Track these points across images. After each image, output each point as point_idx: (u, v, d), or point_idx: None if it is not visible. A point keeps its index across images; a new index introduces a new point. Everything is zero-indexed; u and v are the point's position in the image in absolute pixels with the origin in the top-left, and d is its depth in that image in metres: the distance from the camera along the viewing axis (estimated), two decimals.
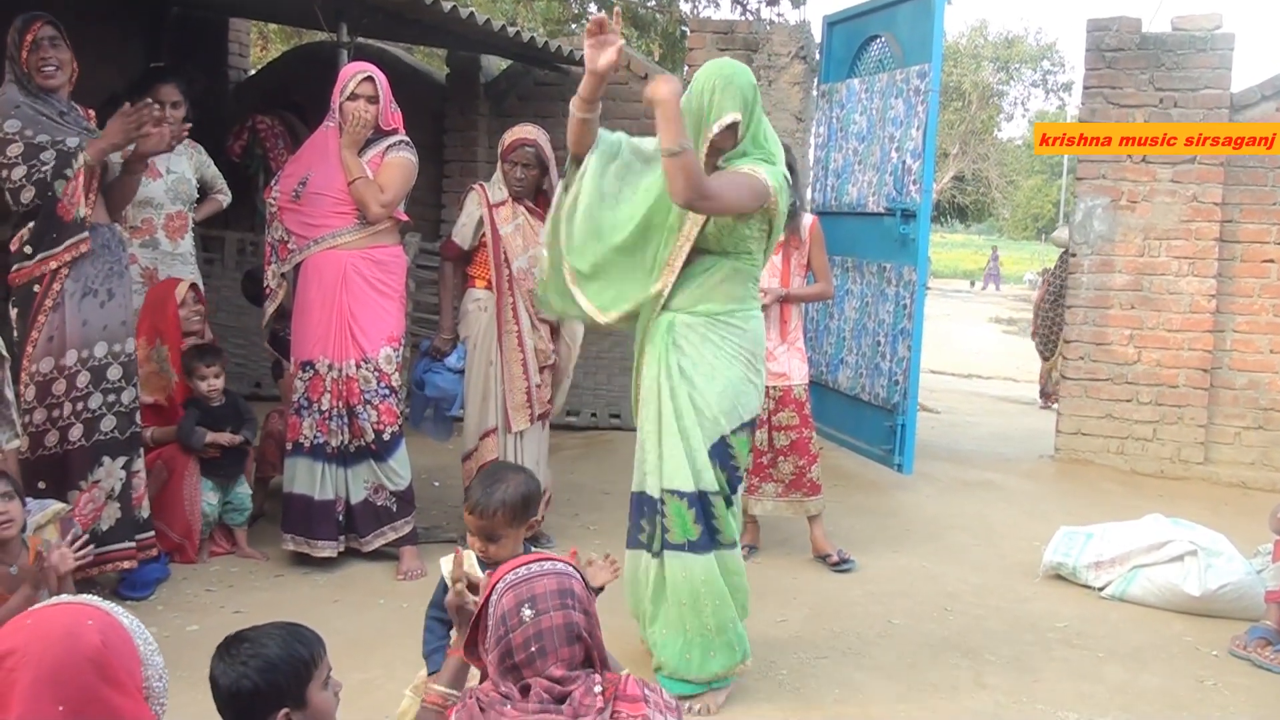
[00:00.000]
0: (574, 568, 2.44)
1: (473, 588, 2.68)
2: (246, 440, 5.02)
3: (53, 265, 4.11)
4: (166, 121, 5.01)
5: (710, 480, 3.68)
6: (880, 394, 6.48)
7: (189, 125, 4.78)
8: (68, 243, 4.12)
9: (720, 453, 3.71)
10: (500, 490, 3.02)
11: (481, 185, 5.21)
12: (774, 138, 3.74)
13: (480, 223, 5.12)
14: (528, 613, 2.30)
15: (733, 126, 3.57)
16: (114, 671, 1.98)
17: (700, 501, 3.67)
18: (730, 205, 3.52)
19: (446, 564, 3.06)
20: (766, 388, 5.15)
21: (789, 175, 5.11)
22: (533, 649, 2.28)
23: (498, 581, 2.37)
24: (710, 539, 3.70)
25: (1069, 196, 28.46)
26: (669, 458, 3.69)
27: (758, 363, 3.82)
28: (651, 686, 2.37)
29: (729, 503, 3.75)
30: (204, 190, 5.52)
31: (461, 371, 5.19)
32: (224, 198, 5.67)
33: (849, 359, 6.89)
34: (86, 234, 4.15)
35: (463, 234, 5.17)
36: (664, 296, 3.71)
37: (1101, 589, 5.05)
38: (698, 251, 3.66)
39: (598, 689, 2.28)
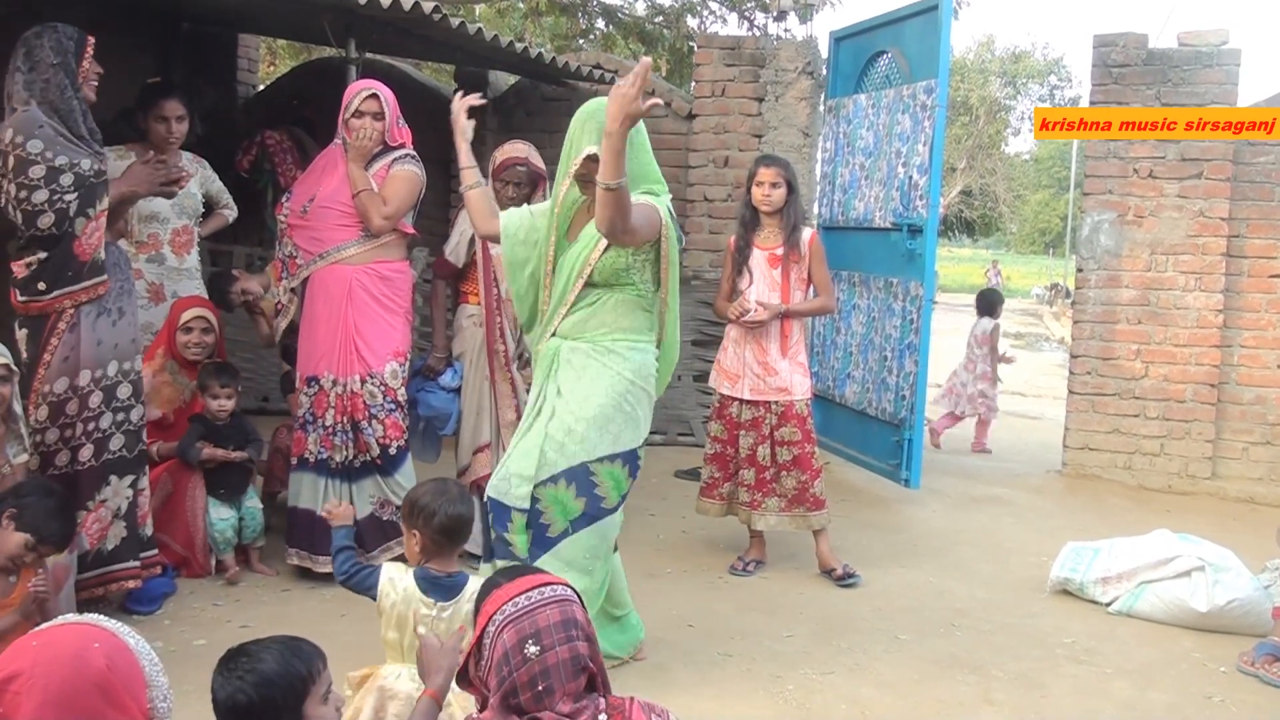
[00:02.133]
0: (569, 587, 2.36)
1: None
2: (249, 458, 5.01)
3: (68, 304, 4.06)
4: (172, 137, 5.09)
5: (524, 497, 3.78)
6: (887, 409, 6.48)
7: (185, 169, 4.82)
8: (86, 283, 4.07)
9: (580, 477, 3.79)
10: (419, 488, 3.30)
11: None
12: (657, 171, 3.91)
13: (472, 241, 5.14)
14: (532, 650, 2.20)
15: (593, 158, 3.70)
16: (119, 696, 1.98)
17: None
18: (642, 238, 3.73)
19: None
20: (768, 402, 5.19)
21: (795, 188, 5.17)
22: (539, 688, 2.19)
23: (494, 612, 2.26)
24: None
25: (1076, 211, 28.47)
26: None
27: (641, 395, 3.88)
28: (658, 710, 2.30)
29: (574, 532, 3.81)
30: (210, 205, 5.54)
31: (456, 390, 5.20)
32: (230, 213, 5.68)
33: (856, 374, 6.90)
34: (105, 276, 4.12)
35: (456, 252, 5.20)
36: (553, 325, 3.92)
37: (1109, 604, 5.04)
38: (586, 285, 3.87)
39: (603, 718, 2.22)
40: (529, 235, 4.01)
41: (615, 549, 4.08)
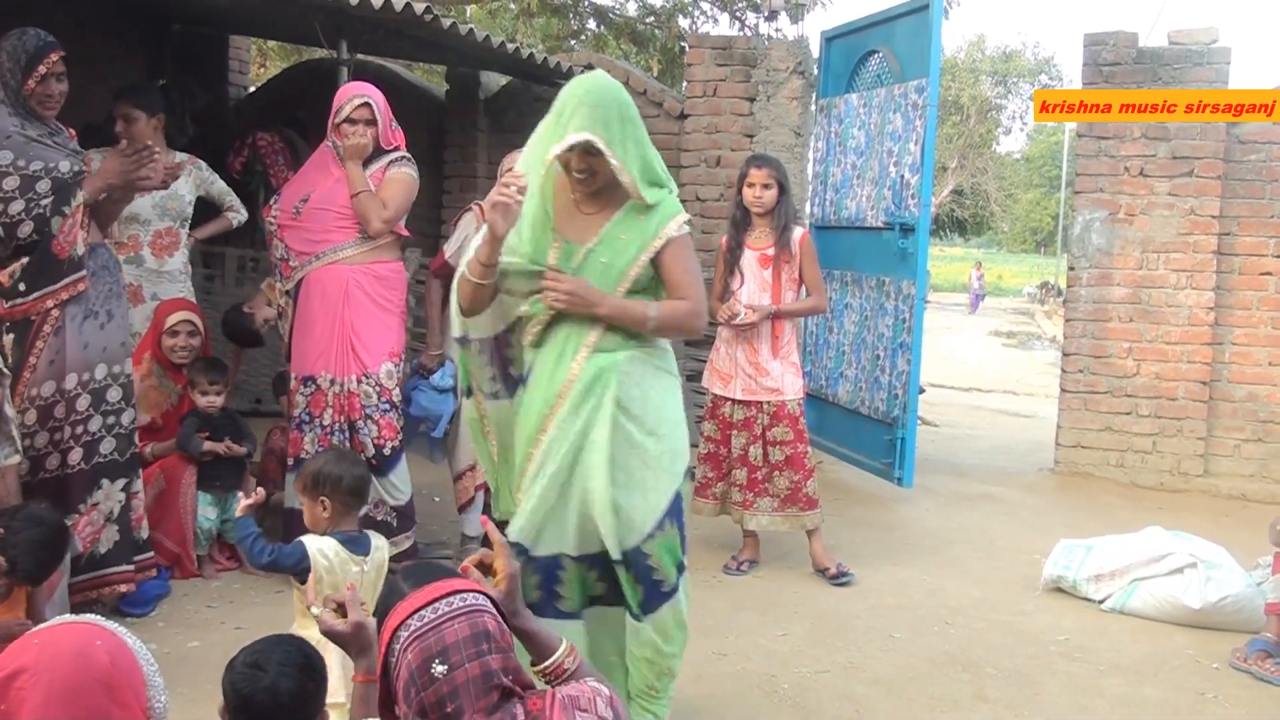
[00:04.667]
0: (483, 593, 2.18)
1: (340, 610, 2.40)
2: (248, 453, 5.02)
3: (49, 304, 4.02)
4: (129, 135, 4.98)
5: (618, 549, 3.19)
6: (880, 407, 6.48)
7: (179, 164, 4.75)
8: (65, 281, 4.03)
9: (677, 509, 3.23)
10: (316, 460, 3.32)
11: (479, 205, 5.18)
12: (656, 163, 3.26)
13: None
14: (439, 669, 2.03)
15: (590, 150, 3.10)
16: (122, 692, 1.98)
17: (592, 562, 3.24)
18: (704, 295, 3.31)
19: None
20: (760, 402, 5.20)
21: (786, 188, 5.18)
22: (448, 709, 2.02)
23: (398, 627, 2.09)
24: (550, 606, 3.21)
25: (1068, 210, 28.51)
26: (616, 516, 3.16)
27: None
28: (583, 702, 2.16)
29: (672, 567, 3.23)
30: (215, 207, 5.51)
31: (448, 390, 5.18)
32: (235, 215, 5.62)
33: (848, 373, 6.90)
34: (84, 273, 4.07)
35: (457, 253, 5.15)
36: (588, 339, 3.19)
37: (1102, 602, 5.06)
38: (628, 293, 3.24)
39: None
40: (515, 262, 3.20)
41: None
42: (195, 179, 5.38)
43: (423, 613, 2.08)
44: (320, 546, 3.21)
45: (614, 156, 3.10)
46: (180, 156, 5.29)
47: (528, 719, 2.08)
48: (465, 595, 2.13)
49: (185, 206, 5.33)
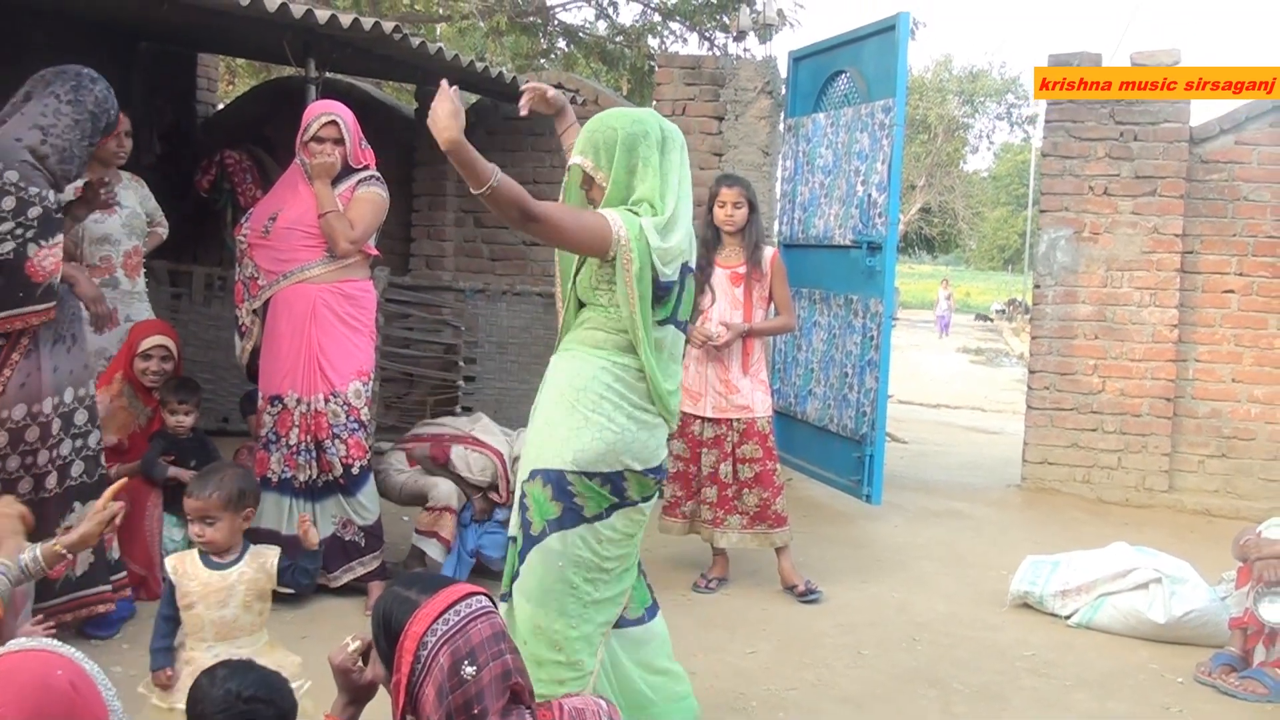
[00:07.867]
0: (486, 595, 2.22)
1: (365, 655, 2.39)
2: None
3: (17, 325, 3.95)
4: (123, 151, 5.06)
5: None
6: (848, 425, 6.51)
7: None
8: (35, 308, 3.97)
9: (521, 496, 3.29)
10: (217, 479, 3.30)
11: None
12: (657, 191, 3.33)
13: None
14: (469, 670, 2.06)
15: (582, 171, 3.31)
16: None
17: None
18: (563, 231, 3.20)
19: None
20: (730, 420, 5.21)
21: (755, 206, 5.20)
22: (474, 711, 2.04)
23: (424, 633, 2.09)
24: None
25: (1034, 228, 28.79)
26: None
27: (567, 406, 3.26)
28: (588, 716, 2.20)
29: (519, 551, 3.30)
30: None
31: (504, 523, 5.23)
32: (163, 230, 5.61)
33: (817, 390, 6.93)
34: (54, 303, 4.01)
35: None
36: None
37: (1068, 617, 5.09)
38: (580, 304, 3.42)
39: None
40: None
41: (645, 619, 3.49)
42: (139, 195, 5.35)
43: (446, 616, 2.11)
44: (175, 565, 3.31)
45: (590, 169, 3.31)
46: (124, 175, 5.26)
47: None
48: (478, 598, 2.18)
49: (144, 223, 5.31)
